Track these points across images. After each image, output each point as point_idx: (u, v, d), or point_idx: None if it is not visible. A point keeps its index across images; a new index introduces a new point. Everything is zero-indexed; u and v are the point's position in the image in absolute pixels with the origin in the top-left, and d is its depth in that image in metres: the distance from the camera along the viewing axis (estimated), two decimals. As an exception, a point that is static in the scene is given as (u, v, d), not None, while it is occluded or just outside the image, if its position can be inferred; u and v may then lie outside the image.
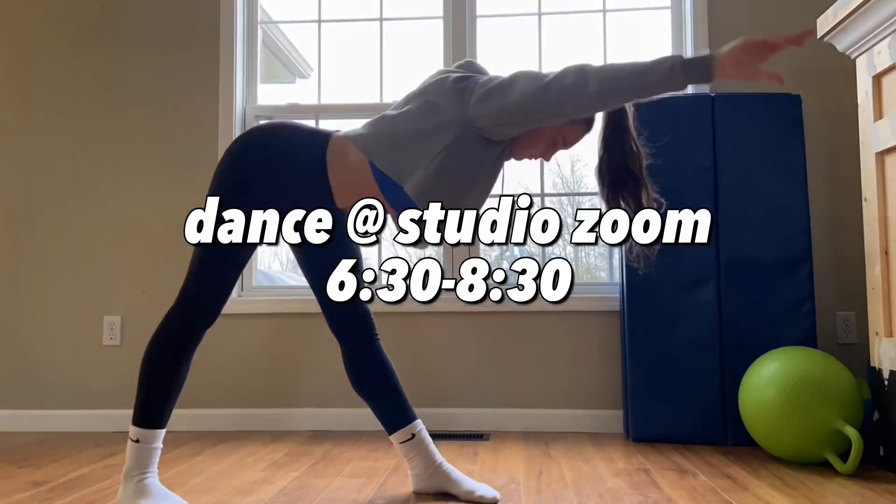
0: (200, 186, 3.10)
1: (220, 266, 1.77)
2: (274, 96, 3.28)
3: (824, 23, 2.42)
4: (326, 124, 3.22)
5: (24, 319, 3.12)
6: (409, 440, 1.93)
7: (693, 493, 1.94)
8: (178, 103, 3.15)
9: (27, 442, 2.78)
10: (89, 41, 3.20)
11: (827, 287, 2.89)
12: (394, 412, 1.93)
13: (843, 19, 2.30)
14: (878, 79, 2.28)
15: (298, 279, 3.54)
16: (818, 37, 2.45)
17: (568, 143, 1.83)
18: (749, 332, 2.62)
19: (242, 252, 1.78)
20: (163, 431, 1.78)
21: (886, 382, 2.19)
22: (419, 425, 1.95)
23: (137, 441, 1.75)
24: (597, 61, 1.68)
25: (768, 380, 2.26)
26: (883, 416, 2.21)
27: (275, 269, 3.68)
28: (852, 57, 2.40)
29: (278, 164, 1.76)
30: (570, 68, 1.64)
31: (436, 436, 2.79)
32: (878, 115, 2.28)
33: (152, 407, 1.76)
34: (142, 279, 3.10)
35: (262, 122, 1.97)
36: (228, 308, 3.01)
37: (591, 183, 3.29)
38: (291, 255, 3.36)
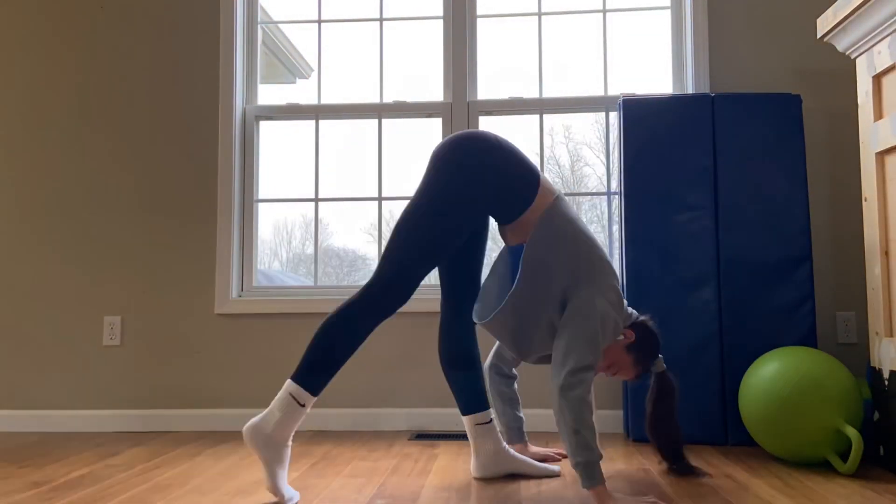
0: (200, 185, 3.10)
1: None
2: (274, 96, 3.28)
3: (824, 23, 2.42)
4: (326, 124, 3.23)
5: (25, 319, 3.12)
6: (485, 423, 2.11)
7: (693, 493, 1.94)
8: (178, 103, 3.15)
9: (27, 442, 2.78)
10: (89, 41, 3.20)
11: (827, 287, 2.89)
12: (473, 392, 2.12)
13: (843, 19, 2.31)
14: (878, 79, 2.28)
15: (298, 279, 3.54)
16: (818, 37, 2.45)
17: (618, 376, 2.08)
18: (749, 332, 2.62)
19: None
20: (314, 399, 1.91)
21: (886, 382, 2.19)
22: (491, 413, 2.15)
23: (296, 400, 1.86)
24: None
25: (768, 380, 2.26)
26: (883, 416, 2.21)
27: (275, 268, 3.68)
28: (852, 57, 2.40)
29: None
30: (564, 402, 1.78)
31: (437, 436, 2.79)
32: (878, 115, 2.28)
33: (321, 374, 1.88)
34: (142, 279, 3.10)
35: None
36: (227, 308, 3.02)
37: (592, 183, 3.29)
38: (291, 256, 3.36)
